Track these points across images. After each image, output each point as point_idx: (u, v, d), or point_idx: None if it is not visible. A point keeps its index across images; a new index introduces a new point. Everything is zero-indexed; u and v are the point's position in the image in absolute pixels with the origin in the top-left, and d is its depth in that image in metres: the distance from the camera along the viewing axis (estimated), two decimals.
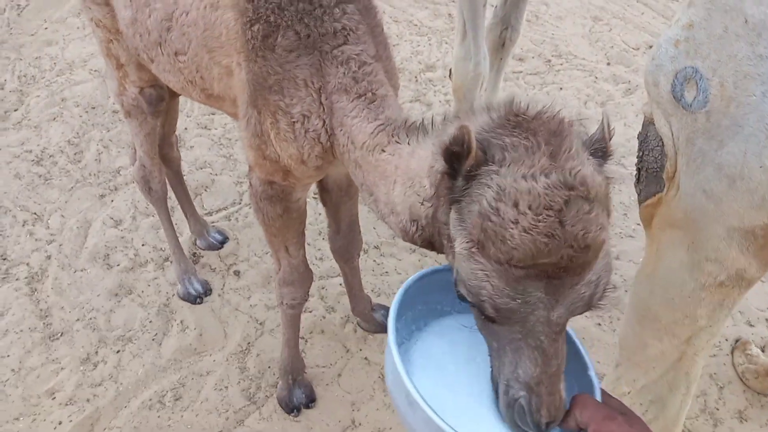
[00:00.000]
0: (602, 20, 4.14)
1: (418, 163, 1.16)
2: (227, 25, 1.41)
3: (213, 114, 3.35)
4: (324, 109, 1.35)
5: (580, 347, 1.06)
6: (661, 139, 1.19)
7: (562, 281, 0.91)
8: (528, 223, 0.88)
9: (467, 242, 0.95)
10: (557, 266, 0.89)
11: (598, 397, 0.97)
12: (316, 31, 1.33)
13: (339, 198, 1.92)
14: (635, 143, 3.51)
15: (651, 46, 3.91)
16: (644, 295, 1.33)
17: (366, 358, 2.35)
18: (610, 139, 1.00)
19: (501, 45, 2.75)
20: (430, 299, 1.16)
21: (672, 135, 1.13)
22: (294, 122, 1.37)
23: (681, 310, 1.26)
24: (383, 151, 1.26)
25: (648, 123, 1.25)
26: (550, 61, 3.85)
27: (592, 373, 1.02)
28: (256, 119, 1.42)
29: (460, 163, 0.95)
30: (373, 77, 1.33)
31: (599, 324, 2.46)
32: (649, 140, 1.24)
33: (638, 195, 1.34)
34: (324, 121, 1.36)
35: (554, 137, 0.93)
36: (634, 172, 1.36)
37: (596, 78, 3.72)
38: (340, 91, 1.33)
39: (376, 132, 1.28)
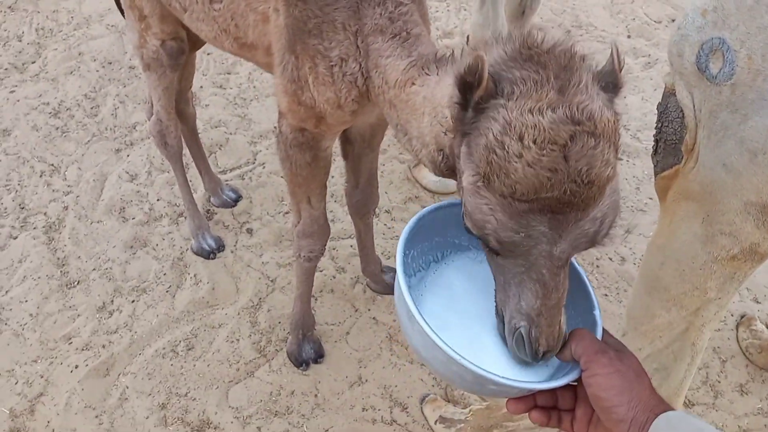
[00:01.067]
0: None
1: (442, 92, 1.17)
2: None
3: (228, 73, 3.34)
4: (360, 52, 1.37)
5: (589, 287, 1.09)
6: (682, 111, 1.19)
7: (566, 216, 0.91)
8: (532, 156, 0.88)
9: (473, 175, 0.96)
10: (560, 201, 0.90)
11: (600, 334, 1.00)
12: None
13: (361, 149, 1.94)
14: (652, 118, 3.47)
15: (673, 20, 3.84)
16: (655, 266, 1.35)
17: (374, 318, 2.40)
18: (621, 70, 0.99)
19: (521, 13, 2.72)
20: (447, 233, 1.18)
21: (694, 107, 1.13)
22: (332, 65, 1.39)
23: (691, 281, 1.28)
24: (413, 83, 1.28)
25: (669, 94, 1.24)
26: (569, 31, 3.79)
27: (597, 312, 1.05)
28: (294, 64, 1.44)
29: (472, 93, 0.96)
30: (409, 17, 1.35)
31: (606, 295, 2.49)
32: (669, 111, 1.24)
33: (654, 166, 1.35)
34: (360, 64, 1.38)
35: (564, 71, 0.93)
36: (651, 144, 1.36)
37: None
38: (376, 32, 1.34)
39: (408, 67, 1.29)
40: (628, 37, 3.76)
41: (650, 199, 2.88)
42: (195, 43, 2.04)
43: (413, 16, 1.37)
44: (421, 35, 1.37)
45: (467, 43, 2.62)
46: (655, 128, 1.32)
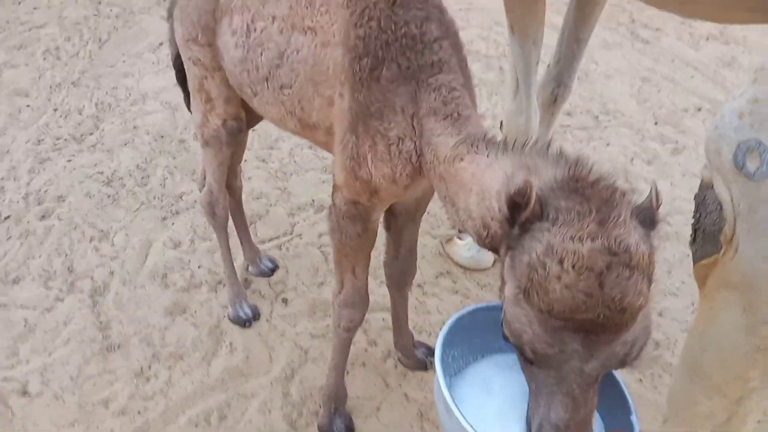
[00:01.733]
0: (651, 81, 4.22)
1: (491, 180, 1.27)
2: (335, 60, 1.57)
3: (271, 148, 3.52)
4: (416, 131, 1.50)
5: (626, 391, 1.16)
6: (720, 203, 1.25)
7: (598, 337, 0.99)
8: (570, 280, 0.97)
9: (515, 288, 1.05)
10: (594, 323, 0.98)
11: None
12: (416, 63, 1.48)
13: (404, 222, 2.04)
14: (681, 202, 3.51)
15: (700, 109, 3.97)
16: (696, 352, 1.37)
17: (405, 395, 2.40)
18: (658, 208, 1.10)
19: (553, 101, 2.85)
20: (487, 336, 1.24)
21: (732, 200, 1.19)
22: (390, 144, 1.52)
23: (733, 370, 1.29)
24: (462, 160, 1.38)
25: (706, 186, 1.30)
26: (597, 117, 3.93)
27: (633, 417, 1.13)
28: (354, 143, 1.57)
29: (519, 213, 1.05)
30: (460, 100, 1.48)
31: (640, 380, 2.46)
32: (707, 203, 1.30)
33: (693, 254, 1.39)
34: (415, 143, 1.50)
35: (605, 205, 1.04)
36: (681, 228, 1.41)
37: (643, 136, 3.78)
38: (430, 114, 1.47)
39: (458, 144, 1.41)
40: (656, 123, 3.88)
41: (682, 282, 2.89)
42: (250, 122, 2.20)
43: (464, 99, 1.50)
44: (471, 116, 1.49)
45: (501, 129, 2.75)
46: (693, 218, 1.37)
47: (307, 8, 1.62)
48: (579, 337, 0.99)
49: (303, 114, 1.72)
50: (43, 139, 3.54)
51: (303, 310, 2.69)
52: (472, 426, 1.02)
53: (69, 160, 3.40)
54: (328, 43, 1.59)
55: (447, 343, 1.20)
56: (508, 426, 1.14)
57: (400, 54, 1.48)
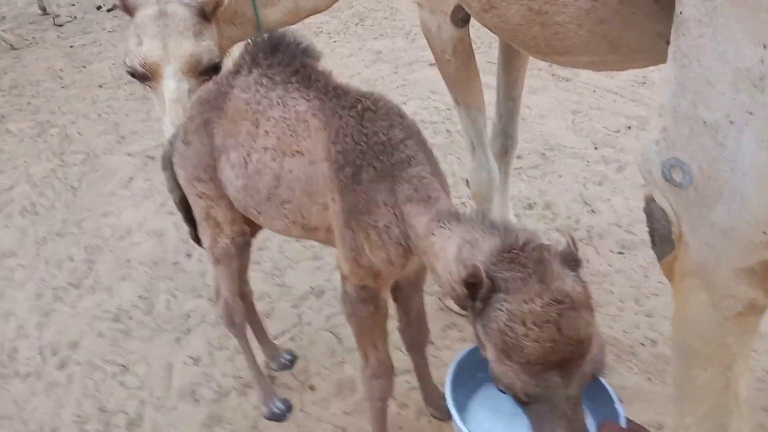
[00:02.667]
0: (581, 113, 4.69)
1: (451, 249, 1.57)
2: (323, 173, 1.87)
3: (261, 249, 3.75)
4: (398, 218, 1.78)
5: (606, 385, 1.46)
6: (664, 211, 1.55)
7: (570, 366, 1.29)
8: (535, 335, 1.27)
9: (495, 351, 1.34)
10: (564, 358, 1.28)
11: (623, 422, 1.34)
12: (389, 162, 1.77)
13: (409, 291, 2.29)
14: (638, 212, 3.91)
15: (630, 127, 4.43)
16: (682, 335, 1.63)
17: None
18: (578, 251, 1.42)
19: (504, 153, 3.23)
20: (487, 368, 1.51)
21: (672, 207, 1.50)
22: (381, 233, 1.80)
23: (714, 341, 1.55)
24: (433, 234, 1.67)
25: (649, 200, 1.61)
26: (544, 154, 4.33)
27: (617, 405, 1.42)
28: (351, 237, 1.84)
29: (476, 291, 1.36)
30: (430, 185, 1.76)
31: (649, 379, 2.70)
32: (653, 213, 1.60)
33: (657, 256, 1.68)
34: (400, 228, 1.78)
35: (539, 265, 1.35)
36: (645, 235, 1.71)
37: (588, 162, 4.18)
38: (406, 201, 1.75)
39: (429, 221, 1.70)
40: (596, 148, 4.30)
41: (660, 282, 3.18)
42: (253, 233, 2.45)
43: (433, 184, 1.79)
44: (439, 197, 1.78)
45: (468, 185, 3.07)
46: (648, 226, 1.67)
47: (291, 137, 1.92)
48: (556, 371, 1.27)
49: (304, 221, 2.00)
50: (42, 294, 3.68)
51: (331, 391, 2.85)
52: None
53: (73, 307, 3.54)
54: (314, 161, 1.89)
55: (455, 385, 1.49)
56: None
57: (374, 158, 1.78)
